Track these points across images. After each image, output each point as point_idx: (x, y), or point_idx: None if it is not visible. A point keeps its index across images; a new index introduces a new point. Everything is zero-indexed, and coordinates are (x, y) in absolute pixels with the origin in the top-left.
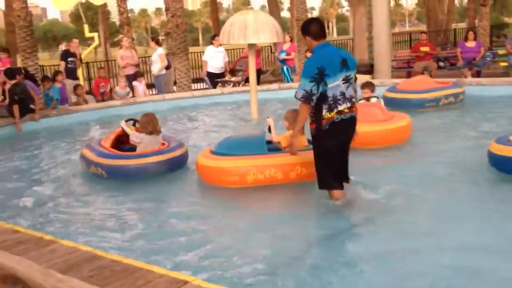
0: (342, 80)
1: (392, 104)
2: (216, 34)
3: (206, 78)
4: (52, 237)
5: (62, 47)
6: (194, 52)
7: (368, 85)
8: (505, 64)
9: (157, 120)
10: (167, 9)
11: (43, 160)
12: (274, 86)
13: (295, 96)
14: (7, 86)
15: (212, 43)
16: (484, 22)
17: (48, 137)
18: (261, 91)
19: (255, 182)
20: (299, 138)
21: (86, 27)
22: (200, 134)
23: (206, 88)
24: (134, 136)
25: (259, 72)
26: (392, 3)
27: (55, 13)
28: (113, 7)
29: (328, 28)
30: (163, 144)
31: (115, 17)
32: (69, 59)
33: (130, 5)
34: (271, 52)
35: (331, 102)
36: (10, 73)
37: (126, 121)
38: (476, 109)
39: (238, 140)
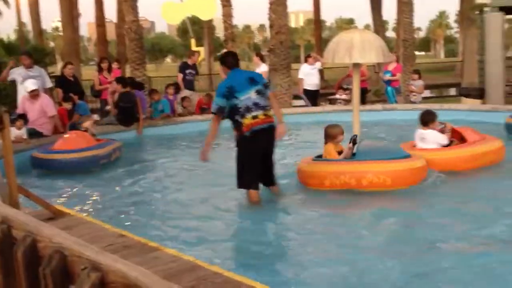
0: (255, 92)
1: None
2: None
3: (303, 96)
4: (156, 244)
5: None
6: (296, 69)
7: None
8: None
9: None
10: (271, 26)
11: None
12: (378, 106)
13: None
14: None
15: (306, 61)
16: None
17: (151, 145)
18: (364, 111)
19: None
20: (336, 147)
21: (193, 41)
22: (291, 149)
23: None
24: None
25: (364, 91)
26: (506, 25)
27: (163, 27)
28: (217, 23)
29: (435, 49)
30: None
31: (219, 33)
32: (187, 71)
33: (234, 21)
34: (375, 72)
35: (243, 111)
36: (121, 81)
37: None
38: None
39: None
